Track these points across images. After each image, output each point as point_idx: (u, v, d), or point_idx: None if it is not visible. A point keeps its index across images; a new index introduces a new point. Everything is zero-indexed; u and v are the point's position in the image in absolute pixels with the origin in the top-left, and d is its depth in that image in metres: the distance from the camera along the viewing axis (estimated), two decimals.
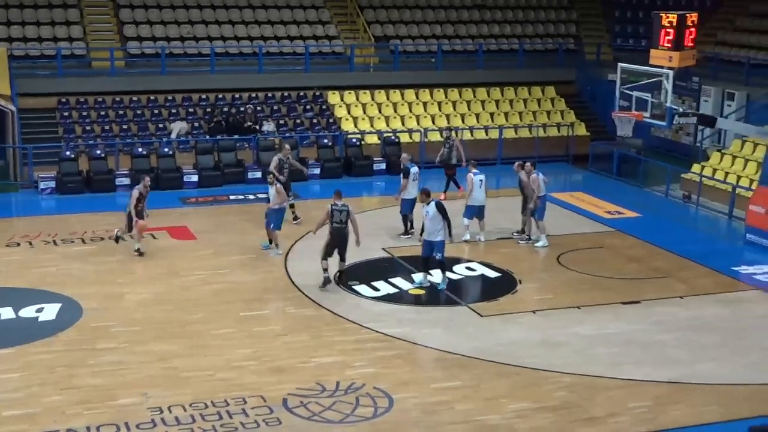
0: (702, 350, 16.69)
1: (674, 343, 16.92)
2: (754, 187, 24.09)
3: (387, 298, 18.80)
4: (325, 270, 19.13)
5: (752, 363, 16.23)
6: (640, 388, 15.09)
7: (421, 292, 19.23)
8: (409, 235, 22.26)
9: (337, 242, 19.16)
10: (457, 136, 27.79)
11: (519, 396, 14.69)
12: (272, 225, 21.13)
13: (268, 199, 21.46)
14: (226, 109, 30.31)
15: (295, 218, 23.40)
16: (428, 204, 19.09)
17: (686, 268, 21.02)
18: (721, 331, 17.57)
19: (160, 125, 29.65)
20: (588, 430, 13.72)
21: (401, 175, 22.46)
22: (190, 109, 30.52)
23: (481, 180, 22.19)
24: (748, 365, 16.12)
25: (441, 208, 18.95)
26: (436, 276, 19.55)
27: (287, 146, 24.51)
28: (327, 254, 19.18)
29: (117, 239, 21.14)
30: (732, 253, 22.43)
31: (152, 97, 30.45)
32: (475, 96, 33.13)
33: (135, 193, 20.74)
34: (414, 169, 22.49)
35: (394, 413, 14.09)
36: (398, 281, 19.63)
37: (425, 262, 19.43)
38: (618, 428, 13.83)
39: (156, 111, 30.25)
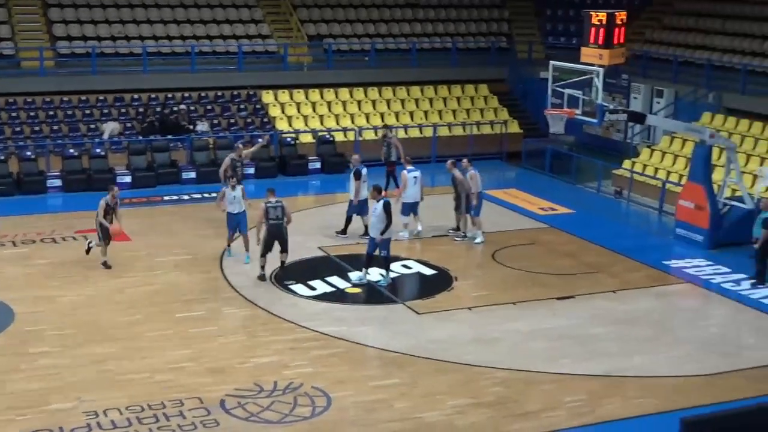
0: (635, 343, 16.96)
1: (608, 337, 17.18)
2: (683, 182, 24.50)
3: (324, 297, 18.81)
4: (263, 267, 19.26)
5: (683, 355, 16.54)
6: (575, 383, 15.30)
7: (359, 290, 19.28)
8: (346, 235, 22.31)
9: (276, 238, 19.32)
10: (393, 133, 27.82)
11: (456, 392, 14.81)
12: (244, 229, 20.78)
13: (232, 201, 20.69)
14: (159, 109, 30.05)
15: None
16: (377, 201, 19.32)
17: (618, 263, 21.35)
18: (653, 325, 17.89)
19: (92, 126, 29.29)
20: (524, 425, 13.88)
21: (352, 177, 22.34)
22: (123, 110, 30.20)
23: (415, 177, 22.33)
24: (679, 357, 16.42)
25: (387, 208, 19.18)
26: (374, 274, 19.63)
27: (240, 145, 24.36)
28: (266, 250, 19.32)
29: (88, 250, 20.25)
30: (662, 248, 22.81)
31: (83, 98, 30.07)
32: (409, 94, 33.26)
33: (102, 203, 19.95)
34: (365, 171, 22.45)
35: (333, 412, 14.11)
36: (335, 280, 19.65)
37: (368, 259, 19.57)
38: (553, 422, 14.00)
39: (87, 111, 29.88)
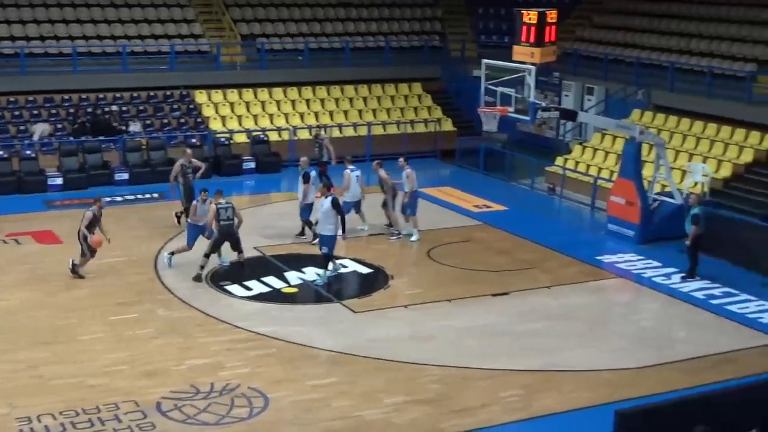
0: (569, 338, 17.17)
1: (542, 333, 17.38)
2: (614, 178, 24.84)
3: (260, 297, 18.75)
4: (202, 267, 19.25)
5: (616, 349, 16.80)
6: (511, 378, 15.45)
7: (295, 290, 19.25)
8: (305, 237, 22.23)
9: (226, 238, 19.39)
10: (326, 133, 27.79)
11: (394, 390, 14.87)
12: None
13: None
14: (90, 109, 29.68)
15: (179, 221, 22.99)
16: (325, 198, 19.54)
17: (552, 259, 21.59)
18: (586, 319, 18.12)
19: (22, 127, 28.82)
20: (462, 421, 13.98)
21: (301, 180, 22.13)
22: (53, 110, 29.74)
23: (357, 176, 22.37)
24: (612, 351, 16.68)
25: (336, 204, 19.34)
26: (310, 273, 19.73)
27: (189, 150, 24.03)
28: (213, 251, 19.43)
29: (73, 268, 19.59)
30: (595, 243, 23.12)
31: (12, 99, 29.55)
32: (343, 93, 33.25)
33: (88, 214, 19.44)
34: (314, 173, 22.37)
35: (270, 412, 14.08)
36: (271, 280, 19.59)
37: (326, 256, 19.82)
38: (491, 418, 14.13)
39: (17, 113, 29.37)
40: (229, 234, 19.40)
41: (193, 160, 23.59)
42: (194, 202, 20.62)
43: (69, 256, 20.74)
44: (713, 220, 21.31)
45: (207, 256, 19.29)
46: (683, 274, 20.32)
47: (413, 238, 22.39)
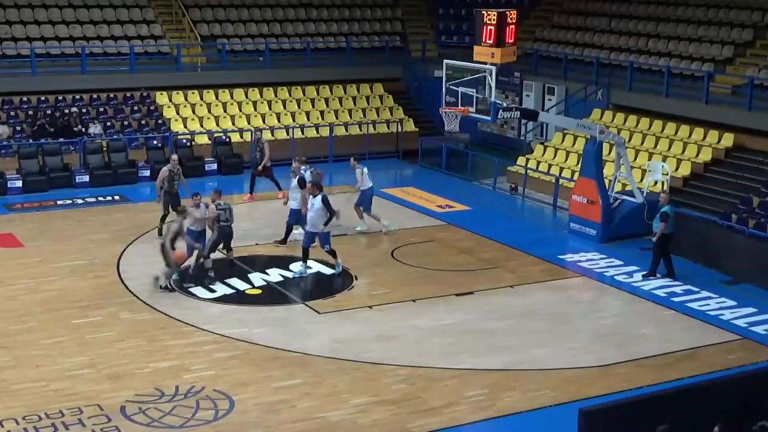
0: (532, 337, 17.27)
1: (506, 331, 17.46)
2: (575, 177, 25.01)
3: (224, 299, 18.68)
4: (211, 269, 19.46)
5: (578, 347, 16.92)
6: (475, 377, 15.52)
7: (259, 291, 19.20)
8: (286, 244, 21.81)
9: (223, 238, 19.72)
10: (265, 138, 26.98)
11: (359, 391, 14.88)
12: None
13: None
14: (49, 111, 29.41)
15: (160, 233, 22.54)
16: (314, 197, 19.65)
17: (515, 258, 21.69)
18: (549, 318, 18.23)
19: None
20: (427, 421, 14.02)
21: (296, 185, 21.42)
22: (11, 113, 29.44)
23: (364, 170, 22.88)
24: (576, 349, 16.79)
25: (326, 202, 19.52)
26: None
27: (174, 157, 23.37)
28: (212, 250, 19.61)
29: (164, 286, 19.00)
30: (557, 242, 23.26)
31: None
32: (304, 94, 33.20)
33: (174, 227, 18.78)
34: (308, 175, 21.77)
35: (235, 414, 14.04)
36: (235, 282, 19.52)
37: (306, 253, 19.96)
38: (456, 417, 14.18)
39: None
40: (227, 235, 19.71)
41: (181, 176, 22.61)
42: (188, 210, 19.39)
43: (30, 258, 20.60)
44: (674, 218, 21.52)
45: (207, 256, 19.38)
46: (644, 272, 20.49)
47: (357, 228, 22.90)
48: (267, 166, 25.76)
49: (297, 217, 21.46)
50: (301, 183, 21.37)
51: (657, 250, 20.38)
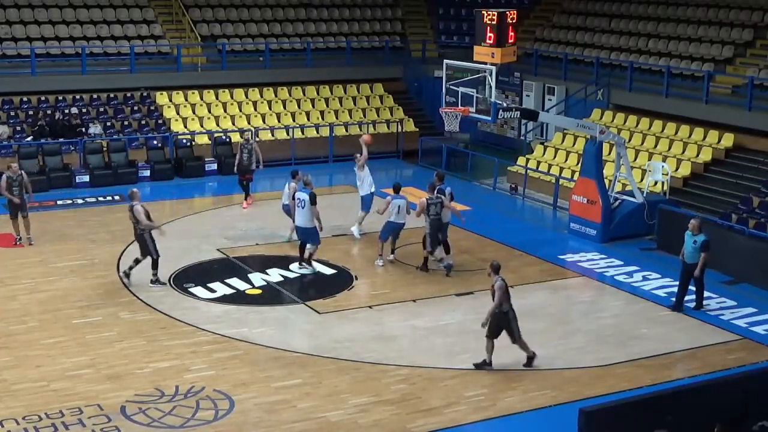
0: (532, 337, 17.17)
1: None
2: (575, 178, 25.01)
3: (224, 299, 18.68)
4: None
5: (578, 347, 16.92)
6: (475, 377, 15.52)
7: (259, 292, 19.20)
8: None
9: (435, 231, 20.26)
10: (253, 138, 26.63)
11: (359, 391, 14.88)
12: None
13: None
14: (49, 111, 29.41)
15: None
16: (300, 191, 20.06)
17: (515, 258, 21.69)
18: (549, 318, 18.24)
19: None
20: (428, 421, 14.02)
21: (308, 202, 19.91)
22: (12, 113, 29.45)
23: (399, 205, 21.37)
24: (576, 349, 16.79)
25: (313, 199, 19.72)
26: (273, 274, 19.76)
27: (14, 165, 22.31)
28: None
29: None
30: (557, 242, 23.27)
31: None
32: (304, 94, 33.20)
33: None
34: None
35: (236, 414, 14.05)
36: (235, 282, 19.53)
37: (303, 248, 20.28)
38: (456, 417, 14.18)
39: None
40: (438, 228, 20.31)
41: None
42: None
43: (31, 258, 20.62)
44: (674, 218, 21.54)
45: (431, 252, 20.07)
46: (693, 305, 18.82)
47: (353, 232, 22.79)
48: (251, 170, 24.79)
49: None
50: (312, 199, 19.98)
51: (701, 279, 18.76)
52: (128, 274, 19.24)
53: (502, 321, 15.46)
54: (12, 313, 17.68)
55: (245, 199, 25.11)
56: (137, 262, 19.21)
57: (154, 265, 19.10)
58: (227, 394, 14.62)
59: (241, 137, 27.53)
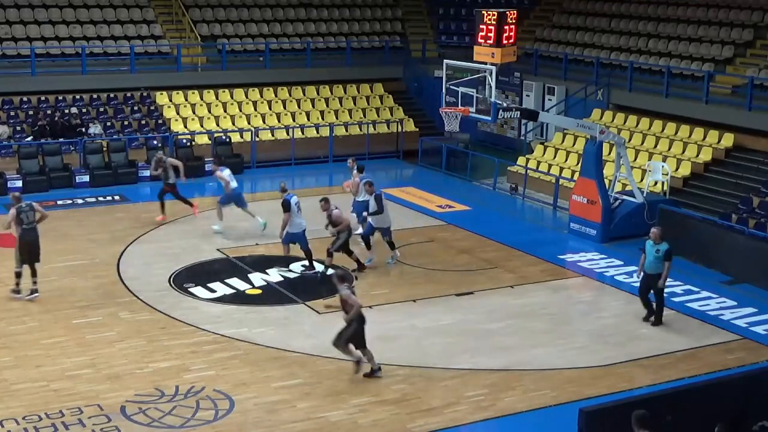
0: (532, 337, 17.27)
1: (506, 332, 17.45)
2: (575, 177, 25.01)
3: (224, 299, 18.68)
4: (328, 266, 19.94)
5: (578, 347, 16.91)
6: (476, 377, 15.51)
7: (258, 292, 19.20)
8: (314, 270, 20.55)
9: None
10: (166, 155, 24.73)
11: (359, 391, 14.87)
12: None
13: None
14: (49, 111, 29.41)
15: None
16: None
17: (515, 258, 21.69)
18: (549, 318, 18.23)
19: None
20: (428, 421, 14.02)
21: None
22: (12, 113, 29.45)
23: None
24: (576, 349, 16.78)
25: (286, 206, 19.78)
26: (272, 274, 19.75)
27: (17, 194, 19.35)
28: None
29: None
30: (557, 242, 23.26)
31: None
32: (304, 94, 33.19)
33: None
34: (294, 199, 20.12)
35: (235, 414, 14.04)
36: (235, 282, 19.53)
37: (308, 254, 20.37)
38: (456, 417, 14.18)
39: None
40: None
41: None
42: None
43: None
44: (674, 218, 21.54)
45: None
46: (652, 321, 18.02)
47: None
48: (173, 183, 23.75)
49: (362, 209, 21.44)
50: (285, 206, 19.92)
51: (662, 292, 17.96)
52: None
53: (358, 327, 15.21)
54: (12, 313, 17.67)
55: (190, 206, 24.23)
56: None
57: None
58: (227, 394, 14.62)
59: (156, 156, 24.88)
